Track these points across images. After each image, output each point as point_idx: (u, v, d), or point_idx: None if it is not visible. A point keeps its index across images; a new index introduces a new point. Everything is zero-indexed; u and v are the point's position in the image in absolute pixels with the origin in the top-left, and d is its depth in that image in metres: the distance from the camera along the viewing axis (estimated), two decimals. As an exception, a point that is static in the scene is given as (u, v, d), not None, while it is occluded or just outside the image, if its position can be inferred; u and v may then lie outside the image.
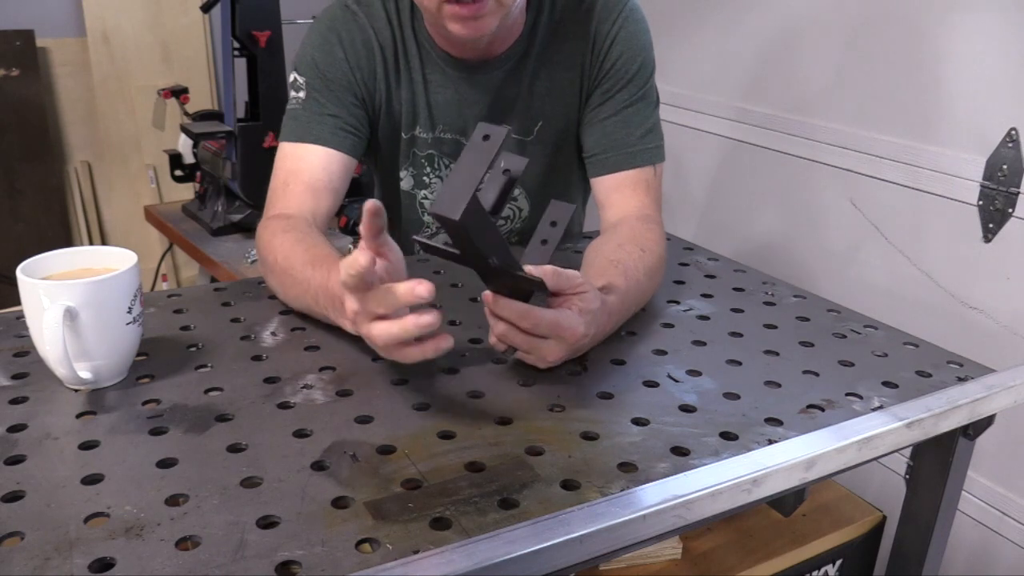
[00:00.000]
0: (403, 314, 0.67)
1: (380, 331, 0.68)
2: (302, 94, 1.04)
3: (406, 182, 1.16)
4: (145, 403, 0.71)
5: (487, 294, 0.75)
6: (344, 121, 1.03)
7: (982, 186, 1.45)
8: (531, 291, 0.75)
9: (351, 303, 0.69)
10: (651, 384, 0.78)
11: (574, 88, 1.09)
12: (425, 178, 1.15)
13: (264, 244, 0.94)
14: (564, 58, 1.07)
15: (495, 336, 0.77)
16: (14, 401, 0.71)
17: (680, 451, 0.67)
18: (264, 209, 1.03)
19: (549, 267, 0.75)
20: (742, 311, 0.96)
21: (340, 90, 1.04)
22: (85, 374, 0.71)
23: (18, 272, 0.70)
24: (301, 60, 1.05)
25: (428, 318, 0.65)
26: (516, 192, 1.17)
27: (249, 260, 1.86)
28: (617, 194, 1.07)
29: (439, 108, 1.09)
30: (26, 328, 0.73)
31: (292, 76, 1.06)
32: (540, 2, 1.06)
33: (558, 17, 1.06)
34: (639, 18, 1.07)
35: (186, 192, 2.53)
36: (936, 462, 0.83)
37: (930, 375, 0.82)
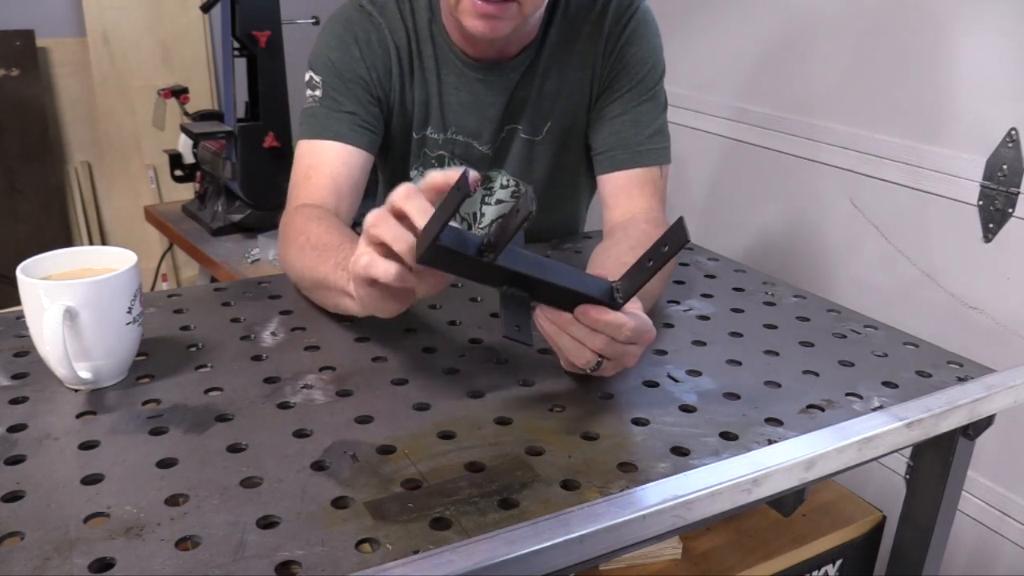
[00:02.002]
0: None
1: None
2: (319, 92, 1.04)
3: (416, 180, 1.16)
4: (145, 403, 0.71)
5: (582, 308, 0.68)
6: (361, 118, 1.04)
7: (982, 186, 1.45)
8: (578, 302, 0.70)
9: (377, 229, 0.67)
10: (651, 384, 0.78)
11: (584, 87, 1.09)
12: None
13: (295, 227, 0.93)
14: (575, 58, 1.08)
15: (592, 351, 0.70)
16: (14, 401, 0.71)
17: (680, 451, 0.67)
18: (287, 202, 1.03)
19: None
20: (742, 311, 0.96)
21: (357, 88, 1.04)
22: (85, 374, 0.71)
23: (18, 272, 0.70)
24: (317, 59, 1.06)
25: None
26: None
27: (249, 260, 1.86)
28: (624, 194, 1.07)
29: (452, 110, 1.10)
30: (26, 328, 0.73)
31: (308, 75, 1.06)
32: (555, 2, 1.06)
33: (571, 17, 1.07)
34: (650, 20, 1.09)
35: (186, 192, 2.53)
36: (936, 462, 0.83)
37: (930, 375, 0.82)
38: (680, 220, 0.65)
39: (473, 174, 0.60)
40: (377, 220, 0.66)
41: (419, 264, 0.65)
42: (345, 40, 1.05)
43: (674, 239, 0.65)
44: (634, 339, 0.70)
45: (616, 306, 0.69)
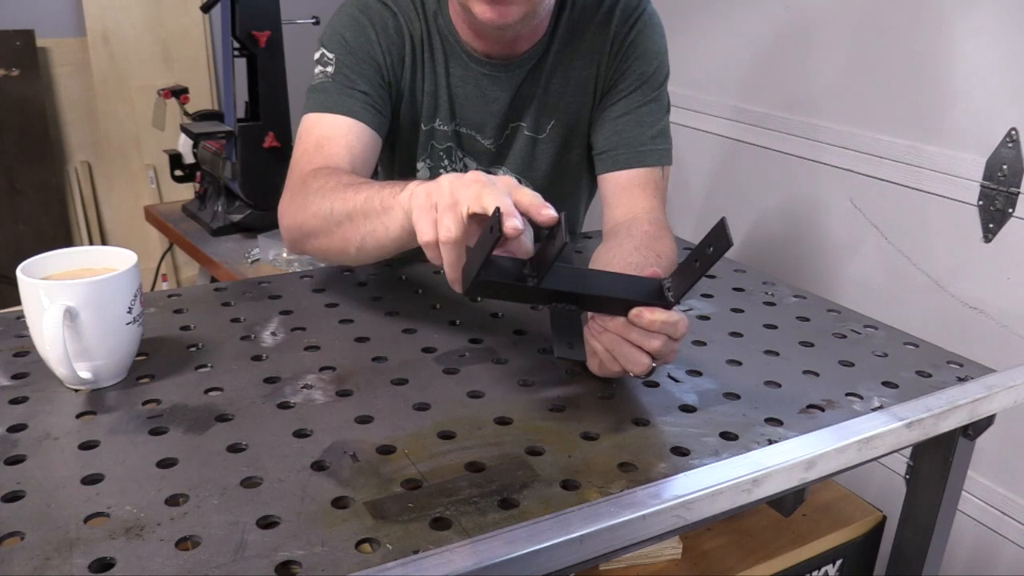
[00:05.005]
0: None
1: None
2: (330, 68, 1.02)
3: (422, 173, 1.16)
4: (145, 403, 0.71)
5: (636, 311, 0.69)
6: (373, 99, 1.03)
7: (982, 186, 1.45)
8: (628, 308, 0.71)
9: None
10: (651, 384, 0.78)
11: (588, 87, 1.09)
12: (442, 170, 1.15)
13: (318, 180, 0.89)
14: (581, 57, 1.08)
15: (649, 352, 0.70)
16: (14, 401, 0.71)
17: (680, 451, 0.67)
18: (291, 173, 0.99)
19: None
20: (742, 311, 0.96)
21: (369, 70, 1.03)
22: (85, 374, 0.71)
23: (18, 272, 0.70)
24: (330, 37, 1.05)
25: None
26: None
27: (249, 260, 1.85)
28: (625, 193, 1.07)
29: (459, 102, 1.10)
30: (26, 328, 0.73)
31: (319, 53, 1.05)
32: (562, 2, 1.07)
33: (577, 16, 1.08)
34: (657, 23, 1.09)
35: (186, 192, 2.53)
36: (936, 462, 0.83)
37: (930, 375, 0.82)
38: (722, 221, 0.65)
39: (551, 215, 0.66)
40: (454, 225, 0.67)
41: (467, 295, 0.69)
42: (361, 22, 1.04)
43: (718, 241, 0.65)
44: (681, 334, 0.71)
45: (668, 305, 0.69)
